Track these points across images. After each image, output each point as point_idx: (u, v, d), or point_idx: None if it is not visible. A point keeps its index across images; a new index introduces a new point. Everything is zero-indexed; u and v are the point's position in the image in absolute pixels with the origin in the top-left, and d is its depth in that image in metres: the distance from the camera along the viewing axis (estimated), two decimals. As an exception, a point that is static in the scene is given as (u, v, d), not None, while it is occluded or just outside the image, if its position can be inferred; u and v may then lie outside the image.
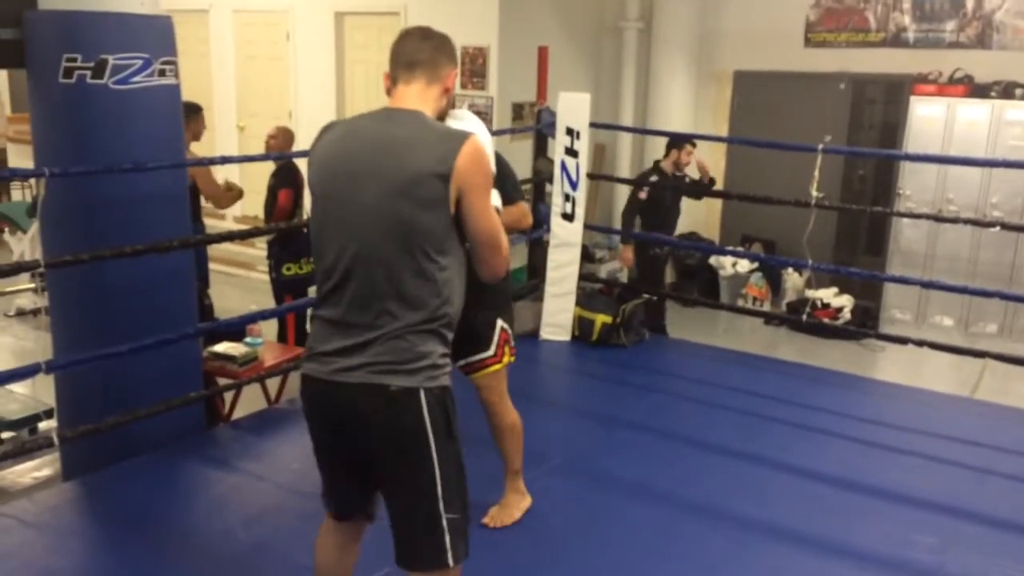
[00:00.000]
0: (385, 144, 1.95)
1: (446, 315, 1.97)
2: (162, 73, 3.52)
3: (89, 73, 3.32)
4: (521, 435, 3.08)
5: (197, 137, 5.15)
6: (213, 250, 5.60)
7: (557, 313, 5.21)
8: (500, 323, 3.03)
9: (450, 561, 1.97)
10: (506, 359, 3.04)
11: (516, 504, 3.13)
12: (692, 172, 5.95)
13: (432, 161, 1.90)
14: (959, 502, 3.37)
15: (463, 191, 1.91)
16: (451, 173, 1.89)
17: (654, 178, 5.75)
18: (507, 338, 3.05)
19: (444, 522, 1.94)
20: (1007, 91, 6.36)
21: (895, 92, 7.08)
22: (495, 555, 2.92)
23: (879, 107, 7.49)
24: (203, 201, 5.18)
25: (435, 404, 1.93)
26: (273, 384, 4.49)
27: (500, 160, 2.91)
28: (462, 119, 2.24)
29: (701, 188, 5.98)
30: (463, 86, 7.21)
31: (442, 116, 2.12)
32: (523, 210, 3.08)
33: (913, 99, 6.61)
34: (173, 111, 3.65)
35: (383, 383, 1.90)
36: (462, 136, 1.94)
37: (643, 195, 5.71)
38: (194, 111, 5.09)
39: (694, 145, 5.78)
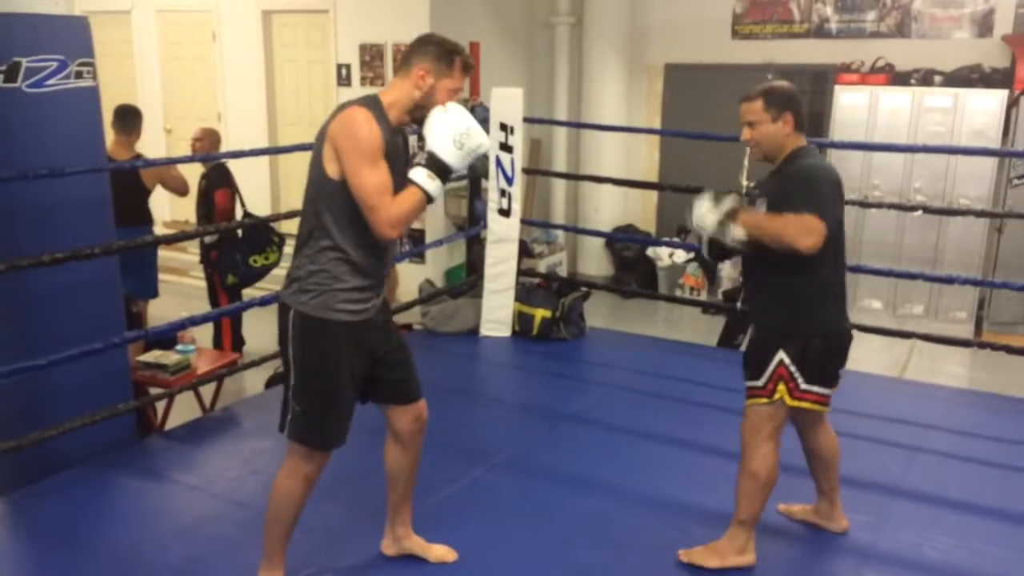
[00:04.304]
0: None
1: (325, 253, 2.37)
2: (79, 75, 3.41)
3: (2, 77, 3.20)
4: (764, 488, 2.73)
5: (137, 140, 5.16)
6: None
7: (496, 309, 5.20)
8: (781, 355, 2.64)
9: (284, 429, 2.49)
10: (779, 397, 2.65)
11: (721, 553, 2.80)
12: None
13: (325, 127, 2.35)
14: (891, 480, 3.46)
15: (336, 152, 2.30)
16: (325, 133, 2.33)
17: None
18: (787, 375, 2.64)
19: (290, 404, 2.46)
20: (926, 78, 6.55)
21: (820, 82, 7.24)
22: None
23: (805, 97, 7.62)
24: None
25: (298, 320, 2.39)
26: (208, 392, 4.39)
27: (805, 172, 2.62)
28: (446, 111, 2.37)
29: None
30: (395, 84, 7.14)
31: (419, 106, 2.40)
32: (798, 223, 2.52)
33: (837, 88, 6.77)
34: (92, 114, 3.54)
35: (280, 296, 2.48)
36: (345, 106, 2.35)
37: None
38: (139, 115, 5.20)
39: None
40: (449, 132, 2.31)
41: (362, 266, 2.40)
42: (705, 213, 2.67)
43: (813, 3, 7.21)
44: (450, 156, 2.32)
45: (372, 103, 2.36)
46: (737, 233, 2.62)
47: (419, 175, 2.32)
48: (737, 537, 2.80)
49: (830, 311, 2.71)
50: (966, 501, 3.32)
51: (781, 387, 2.65)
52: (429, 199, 2.34)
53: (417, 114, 2.42)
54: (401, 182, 2.34)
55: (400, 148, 2.46)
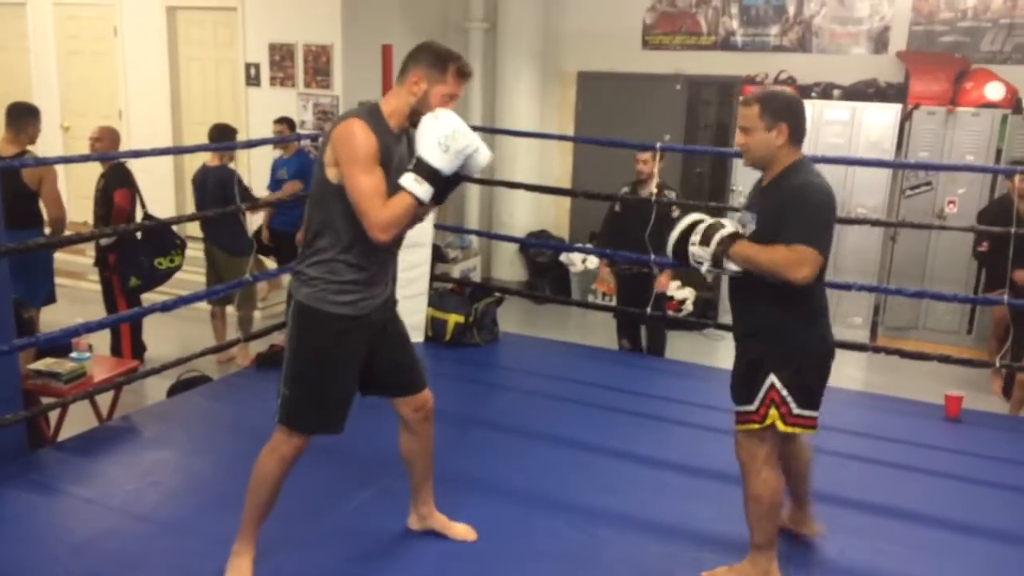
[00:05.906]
0: None
1: (326, 251, 2.50)
2: (-36, 68, 3.23)
3: None
4: (769, 511, 2.68)
5: (33, 140, 4.92)
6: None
7: (409, 315, 5.07)
8: (773, 379, 2.56)
9: (276, 417, 2.58)
10: (771, 423, 2.57)
11: None
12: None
13: (328, 134, 2.47)
14: (792, 480, 3.55)
15: (336, 158, 2.41)
16: (328, 140, 2.45)
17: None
18: (779, 399, 2.57)
19: (281, 387, 2.58)
20: (826, 92, 6.81)
21: (727, 93, 7.45)
22: (348, 560, 2.85)
23: (713, 107, 7.86)
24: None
25: (297, 310, 2.54)
26: (105, 401, 4.21)
27: (800, 193, 2.54)
28: (434, 116, 2.44)
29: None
30: (307, 84, 7.03)
31: (416, 112, 2.49)
32: (791, 255, 2.46)
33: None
34: (-22, 109, 3.36)
35: (289, 287, 2.62)
36: (343, 118, 2.47)
37: (618, 208, 5.17)
38: (33, 114, 4.92)
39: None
40: (434, 135, 2.38)
41: (359, 265, 2.52)
42: (698, 252, 2.62)
43: (720, 16, 7.41)
44: (436, 159, 2.38)
45: (372, 112, 2.49)
46: (730, 267, 2.60)
47: (407, 180, 2.39)
48: (758, 561, 2.75)
49: (817, 331, 2.66)
50: (863, 500, 3.44)
51: (773, 412, 2.58)
52: (420, 203, 2.40)
53: (416, 120, 2.49)
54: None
55: (404, 154, 2.55)
